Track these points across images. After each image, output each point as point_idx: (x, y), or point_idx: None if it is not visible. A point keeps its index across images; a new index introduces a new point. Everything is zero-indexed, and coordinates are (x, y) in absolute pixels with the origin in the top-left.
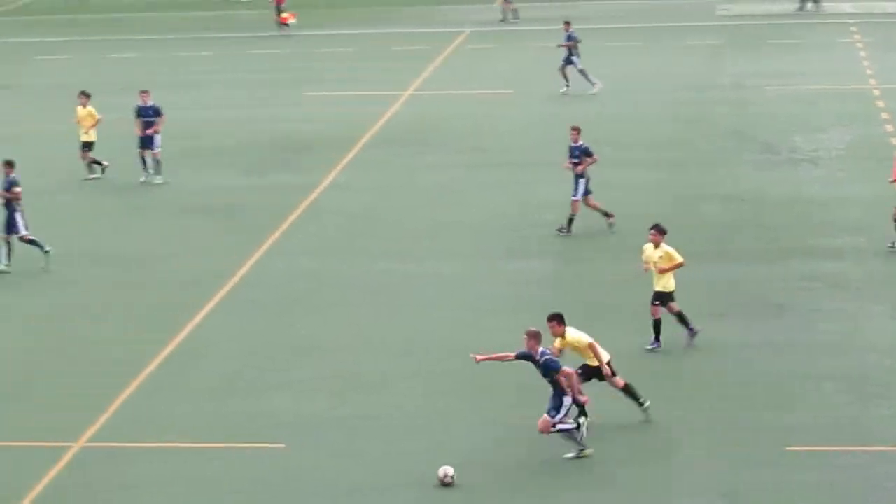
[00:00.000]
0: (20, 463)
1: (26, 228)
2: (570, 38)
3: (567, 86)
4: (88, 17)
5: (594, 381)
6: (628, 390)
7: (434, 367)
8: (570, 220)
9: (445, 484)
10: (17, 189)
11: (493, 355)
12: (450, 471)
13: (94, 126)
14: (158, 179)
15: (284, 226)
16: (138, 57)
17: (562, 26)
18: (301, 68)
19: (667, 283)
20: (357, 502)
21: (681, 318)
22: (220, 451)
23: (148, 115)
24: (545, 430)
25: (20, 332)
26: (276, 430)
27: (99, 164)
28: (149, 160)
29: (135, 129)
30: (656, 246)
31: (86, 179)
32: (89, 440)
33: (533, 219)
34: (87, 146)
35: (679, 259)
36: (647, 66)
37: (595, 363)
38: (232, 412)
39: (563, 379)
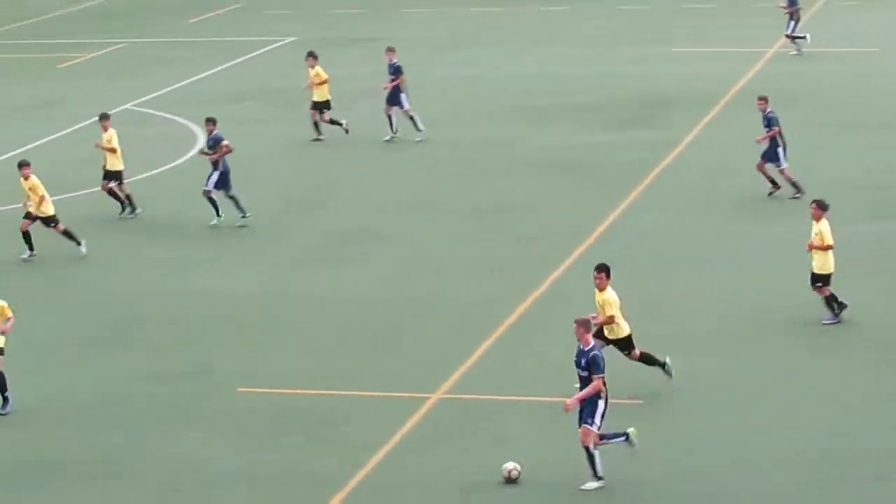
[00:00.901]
0: (380, 412)
1: (216, 187)
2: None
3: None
4: None
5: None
6: (646, 358)
7: (777, 330)
8: (795, 185)
9: (511, 480)
10: (226, 143)
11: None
12: (510, 465)
13: (322, 85)
14: (418, 137)
15: (646, 182)
16: (493, 11)
17: None
18: (666, 25)
19: (823, 265)
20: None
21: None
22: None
23: (389, 73)
24: (592, 443)
25: (383, 283)
26: (633, 387)
27: (339, 123)
28: (394, 117)
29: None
30: (817, 221)
31: (314, 140)
32: (447, 392)
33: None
34: (318, 106)
35: (829, 241)
36: None
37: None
38: None
39: (599, 384)
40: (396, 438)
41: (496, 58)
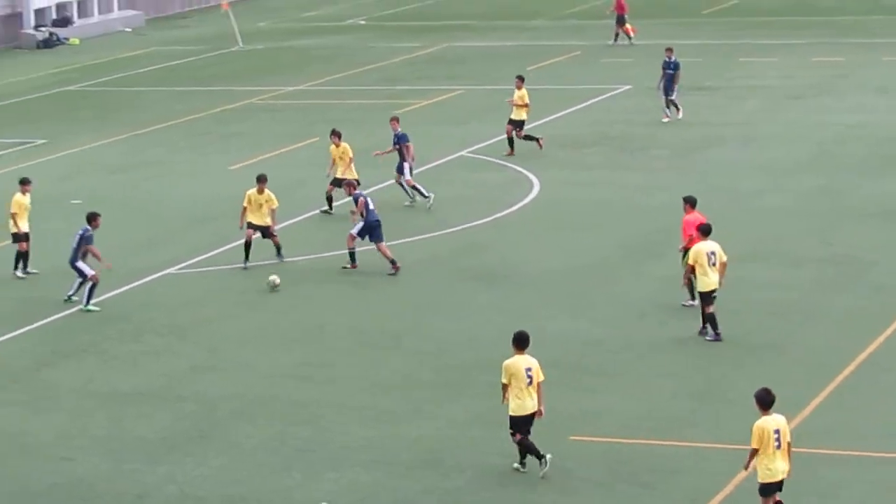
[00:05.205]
0: (713, 464)
1: (411, 173)
2: None
3: None
4: (805, 18)
5: None
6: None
7: None
8: None
9: None
10: (409, 144)
11: None
12: None
13: (522, 107)
14: None
15: None
16: (844, 61)
17: None
18: None
19: None
20: None
21: None
22: None
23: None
24: None
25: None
26: None
27: (535, 139)
28: None
29: None
30: None
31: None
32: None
33: None
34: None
35: None
36: None
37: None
38: None
39: None
40: (729, 489)
41: (832, 106)
